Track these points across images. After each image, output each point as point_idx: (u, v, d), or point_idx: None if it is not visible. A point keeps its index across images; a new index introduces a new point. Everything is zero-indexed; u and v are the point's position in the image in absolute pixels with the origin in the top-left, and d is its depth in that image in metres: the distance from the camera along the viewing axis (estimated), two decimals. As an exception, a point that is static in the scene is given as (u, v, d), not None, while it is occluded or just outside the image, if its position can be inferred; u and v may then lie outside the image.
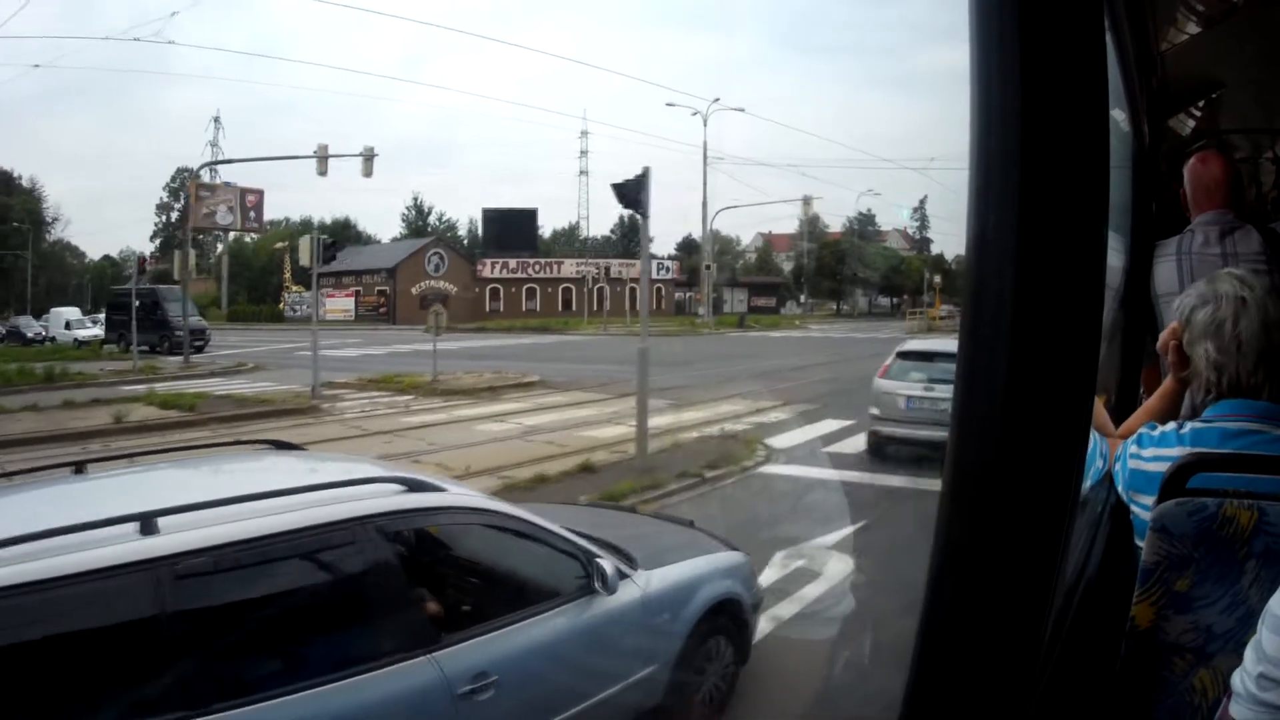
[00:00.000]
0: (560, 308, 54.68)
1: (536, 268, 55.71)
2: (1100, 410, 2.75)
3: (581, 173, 60.54)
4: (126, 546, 3.12)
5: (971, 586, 1.00)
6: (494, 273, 54.99)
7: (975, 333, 1.01)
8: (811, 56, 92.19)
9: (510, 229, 51.48)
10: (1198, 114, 4.15)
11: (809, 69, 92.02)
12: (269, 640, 3.40)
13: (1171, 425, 2.18)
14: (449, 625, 3.83)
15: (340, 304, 52.23)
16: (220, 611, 3.33)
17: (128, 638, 3.11)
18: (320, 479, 3.97)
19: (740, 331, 46.05)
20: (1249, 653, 1.29)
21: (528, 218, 52.80)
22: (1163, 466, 2.04)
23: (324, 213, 63.05)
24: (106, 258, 60.39)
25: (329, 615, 3.61)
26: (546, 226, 66.26)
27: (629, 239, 61.65)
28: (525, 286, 55.25)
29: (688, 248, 63.13)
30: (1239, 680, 1.30)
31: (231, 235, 54.35)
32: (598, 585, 4.23)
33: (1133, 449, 2.20)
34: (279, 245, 53.34)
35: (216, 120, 57.54)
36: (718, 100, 53.01)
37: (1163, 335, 2.31)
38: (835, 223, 68.15)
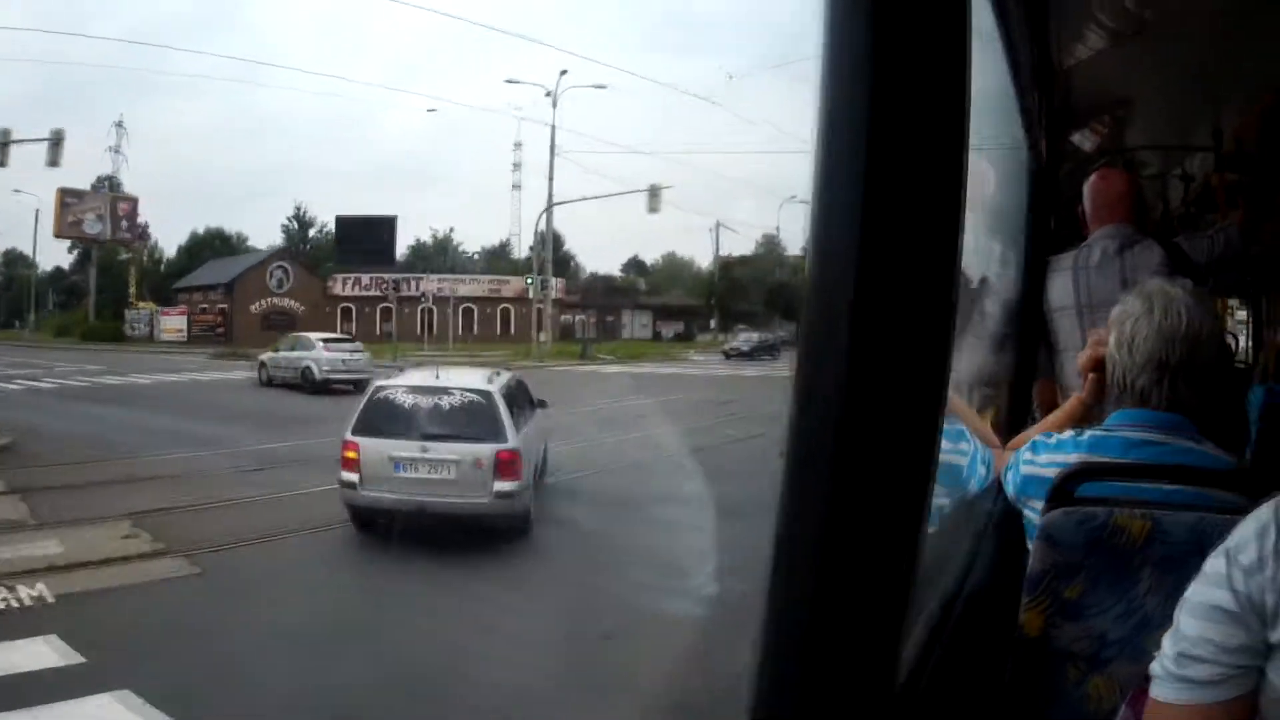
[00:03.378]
0: (419, 330, 45.34)
1: (392, 284, 47.57)
2: (980, 423, 2.77)
3: (515, 187, 53.52)
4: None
5: (817, 597, 0.98)
6: (347, 290, 48.25)
7: (810, 348, 0.99)
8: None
9: (367, 240, 45.01)
10: (1103, 130, 4.23)
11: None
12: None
13: (1070, 432, 2.19)
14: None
15: (174, 323, 47.15)
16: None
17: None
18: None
19: (567, 365, 37.38)
20: (1166, 640, 1.38)
21: (386, 226, 46.01)
22: (1056, 472, 2.04)
23: (201, 221, 57.41)
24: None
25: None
26: (473, 242, 60.80)
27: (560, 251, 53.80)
28: (381, 306, 47.26)
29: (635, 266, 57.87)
30: (1159, 666, 1.37)
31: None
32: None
33: (1027, 455, 2.19)
34: (124, 256, 49.15)
35: (120, 125, 48.88)
36: (565, 73, 46.04)
37: (1088, 346, 2.31)
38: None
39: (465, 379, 12.23)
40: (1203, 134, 4.34)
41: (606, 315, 51.44)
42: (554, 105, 46.11)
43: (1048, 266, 3.22)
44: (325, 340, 27.03)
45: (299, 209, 57.18)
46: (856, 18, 1.00)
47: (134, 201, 47.16)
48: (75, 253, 51.26)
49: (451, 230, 58.11)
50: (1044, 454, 2.16)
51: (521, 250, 54.34)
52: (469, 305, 48.31)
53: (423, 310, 45.89)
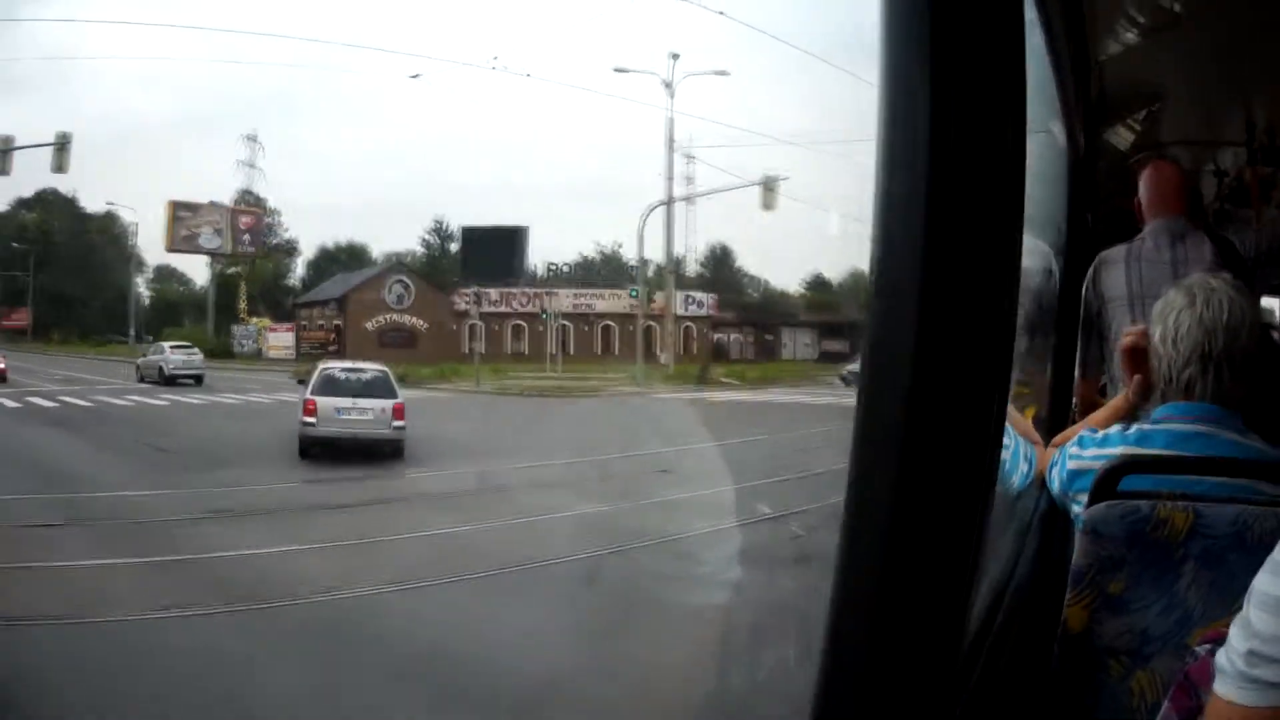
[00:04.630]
0: (552, 347, 42.08)
1: (523, 300, 43.70)
2: (1022, 419, 2.76)
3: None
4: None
5: (882, 593, 0.98)
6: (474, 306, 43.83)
7: (878, 344, 0.99)
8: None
9: (495, 252, 40.28)
10: (1137, 126, 4.21)
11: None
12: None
13: (1117, 427, 2.18)
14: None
15: (281, 339, 44.12)
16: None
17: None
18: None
19: (675, 393, 32.01)
20: (1234, 630, 1.29)
21: (515, 238, 41.12)
22: (1102, 466, 2.04)
23: (338, 234, 53.24)
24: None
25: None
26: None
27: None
28: (512, 323, 43.57)
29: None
30: (1224, 658, 1.29)
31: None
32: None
33: (1073, 450, 2.19)
34: (232, 270, 47.11)
35: (252, 138, 46.32)
36: (678, 58, 38.42)
37: (1126, 337, 2.31)
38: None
39: (373, 365, 20.10)
40: (1235, 128, 4.31)
41: (765, 334, 45.49)
42: (670, 95, 39.23)
43: (1097, 260, 3.21)
44: (172, 346, 32.60)
45: (439, 222, 52.11)
46: (914, 13, 1.01)
47: (256, 214, 44.98)
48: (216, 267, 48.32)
49: (620, 246, 50.23)
50: (1090, 449, 2.16)
51: (689, 266, 47.86)
52: (608, 323, 43.54)
53: (557, 328, 42.20)
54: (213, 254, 45.31)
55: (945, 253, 0.96)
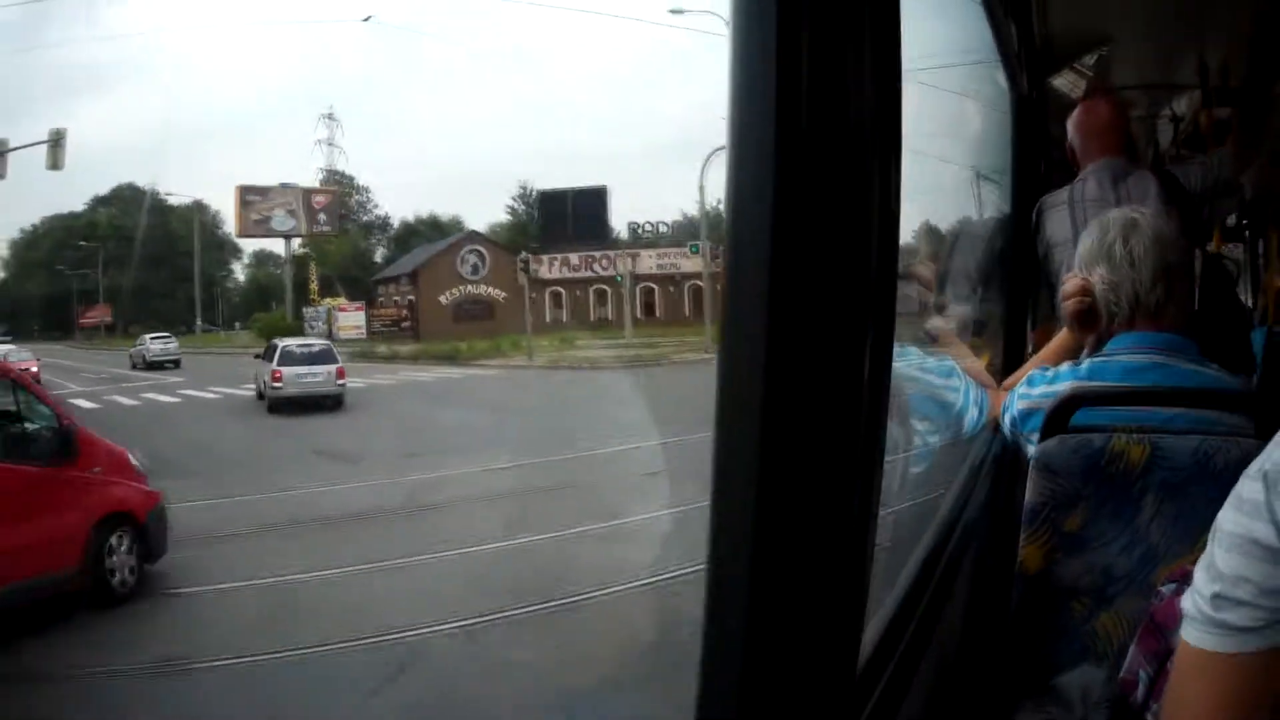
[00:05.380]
0: (632, 311, 39.23)
1: (605, 264, 40.56)
2: (975, 362, 2.70)
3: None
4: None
5: (754, 584, 0.89)
6: (554, 272, 40.70)
7: (730, 329, 0.90)
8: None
9: (575, 214, 39.20)
10: (1088, 71, 4.15)
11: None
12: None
13: (1068, 363, 2.12)
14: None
15: (351, 319, 41.04)
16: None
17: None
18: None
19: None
20: (1200, 573, 1.21)
21: (596, 199, 39.65)
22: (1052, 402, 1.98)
23: (409, 210, 51.40)
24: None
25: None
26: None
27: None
28: (595, 289, 40.67)
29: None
30: (1190, 603, 1.21)
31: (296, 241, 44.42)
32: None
33: (1023, 389, 2.13)
34: (301, 251, 44.66)
35: (330, 117, 43.93)
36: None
37: (1067, 285, 2.25)
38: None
39: (319, 340, 27.50)
40: (1188, 71, 4.26)
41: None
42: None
43: (1039, 205, 3.14)
44: (152, 337, 34.99)
45: (524, 187, 48.19)
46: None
47: (333, 193, 42.76)
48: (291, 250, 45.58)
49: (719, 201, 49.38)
50: (1040, 386, 2.09)
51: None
52: (695, 283, 40.08)
53: (634, 291, 39.46)
54: (287, 236, 43.00)
55: (797, 228, 0.87)
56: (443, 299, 40.49)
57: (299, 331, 38.69)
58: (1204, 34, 3.99)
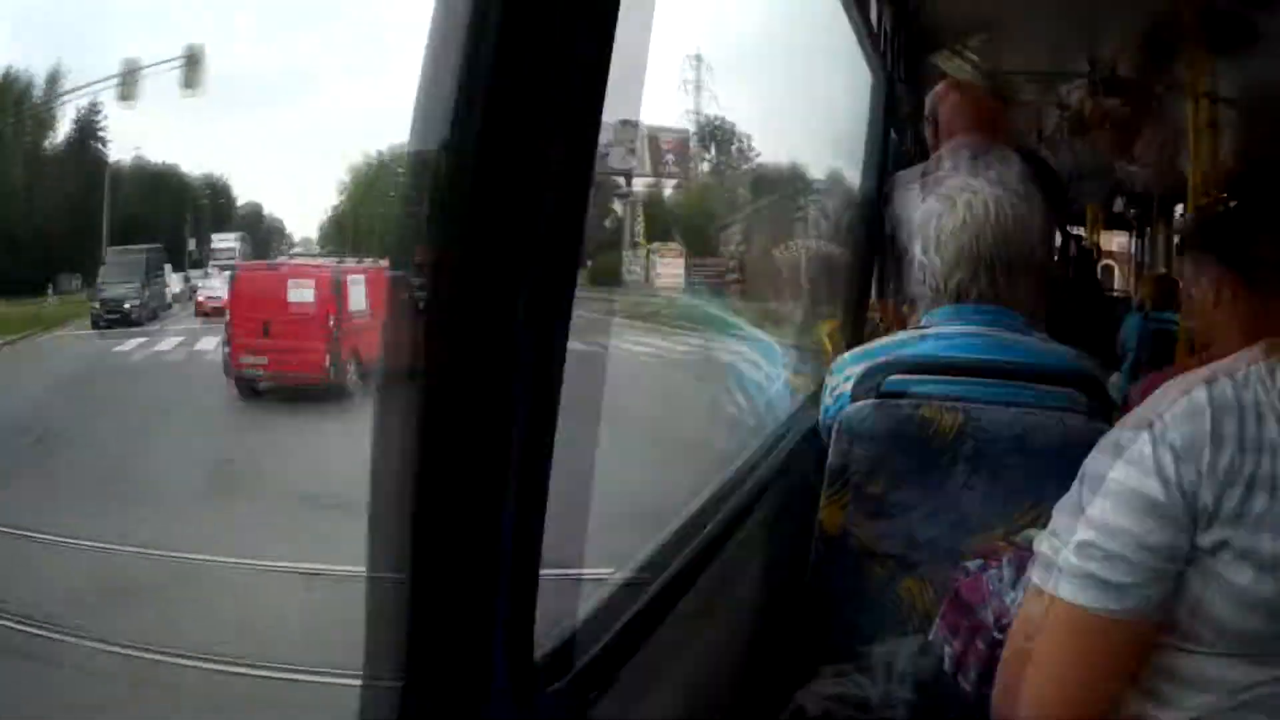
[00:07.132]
0: None
1: None
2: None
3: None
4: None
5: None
6: None
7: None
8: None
9: None
10: (973, 55, 4.18)
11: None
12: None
13: (879, 341, 2.13)
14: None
15: (669, 267, 36.82)
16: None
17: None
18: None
19: None
20: (1062, 518, 1.18)
21: None
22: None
23: None
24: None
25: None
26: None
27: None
28: None
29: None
30: (1047, 547, 1.19)
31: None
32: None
33: (829, 380, 2.12)
34: (622, 191, 39.27)
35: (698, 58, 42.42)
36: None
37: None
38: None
39: None
40: (1080, 61, 4.33)
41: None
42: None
43: (890, 181, 3.13)
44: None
45: None
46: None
47: (682, 139, 38.70)
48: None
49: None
50: (845, 369, 2.07)
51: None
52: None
53: None
54: (626, 175, 38.23)
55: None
56: (779, 252, 35.36)
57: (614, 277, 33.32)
58: (1096, 26, 4.05)
